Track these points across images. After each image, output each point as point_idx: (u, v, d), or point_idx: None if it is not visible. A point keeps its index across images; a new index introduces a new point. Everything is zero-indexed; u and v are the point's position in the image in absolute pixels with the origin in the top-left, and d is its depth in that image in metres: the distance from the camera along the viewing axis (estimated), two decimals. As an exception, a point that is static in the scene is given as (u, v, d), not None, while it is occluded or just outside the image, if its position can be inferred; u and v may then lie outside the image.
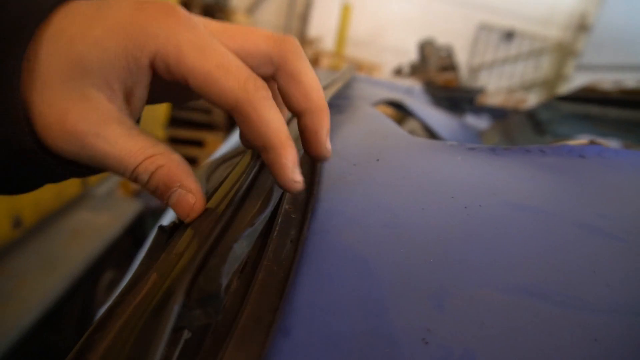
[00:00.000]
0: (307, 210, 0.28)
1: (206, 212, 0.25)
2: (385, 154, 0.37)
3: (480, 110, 1.22)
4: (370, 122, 0.48)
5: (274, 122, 0.23)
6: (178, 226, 0.31)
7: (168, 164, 0.24)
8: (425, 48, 2.46)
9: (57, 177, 0.26)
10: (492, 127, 0.92)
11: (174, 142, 2.48)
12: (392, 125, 0.46)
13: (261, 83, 0.23)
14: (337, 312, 0.20)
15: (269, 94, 0.23)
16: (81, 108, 0.23)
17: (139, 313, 0.19)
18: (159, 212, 2.13)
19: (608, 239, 0.25)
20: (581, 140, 0.38)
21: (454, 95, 1.29)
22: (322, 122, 0.26)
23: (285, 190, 0.26)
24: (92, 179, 1.66)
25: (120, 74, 0.23)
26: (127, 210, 1.83)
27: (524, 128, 0.85)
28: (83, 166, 0.26)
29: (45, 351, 1.19)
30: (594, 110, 0.68)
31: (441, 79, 2.04)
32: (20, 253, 1.25)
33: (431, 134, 0.84)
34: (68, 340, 1.30)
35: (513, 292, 0.22)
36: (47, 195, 1.38)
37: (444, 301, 0.21)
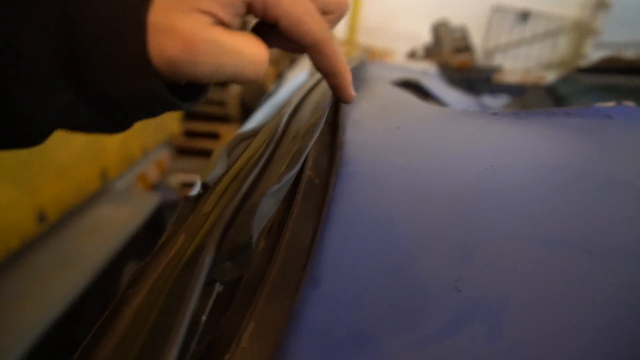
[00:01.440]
0: (330, 175, 0.28)
1: (232, 174, 0.25)
2: (406, 122, 0.36)
3: (497, 89, 1.19)
4: (388, 95, 0.47)
5: (341, 56, 0.30)
6: (201, 196, 0.31)
7: None
8: (439, 30, 2.42)
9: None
10: (510, 104, 0.91)
11: (190, 135, 2.50)
12: (411, 97, 0.46)
13: (327, 24, 0.28)
14: (366, 265, 0.20)
15: (331, 32, 0.29)
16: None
17: (171, 269, 0.19)
18: (177, 206, 2.15)
19: (638, 192, 0.25)
20: (608, 103, 0.37)
21: (470, 77, 1.27)
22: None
23: (345, 102, 0.33)
24: (112, 173, 1.68)
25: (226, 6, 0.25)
26: (146, 204, 1.85)
27: (544, 103, 0.83)
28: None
29: (69, 346, 1.22)
30: (617, 80, 0.66)
31: (456, 61, 2.01)
32: (43, 248, 1.27)
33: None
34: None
35: (544, 243, 0.21)
36: (69, 190, 1.41)
37: (473, 252, 0.21)
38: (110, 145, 1.67)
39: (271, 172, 0.24)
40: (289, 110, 0.34)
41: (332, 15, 0.29)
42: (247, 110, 2.46)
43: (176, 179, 2.41)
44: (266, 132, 0.30)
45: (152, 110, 0.27)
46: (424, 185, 0.26)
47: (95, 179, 1.59)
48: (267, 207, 0.21)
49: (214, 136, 2.52)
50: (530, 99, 0.85)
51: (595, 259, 0.20)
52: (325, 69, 0.30)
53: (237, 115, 2.64)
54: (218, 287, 0.19)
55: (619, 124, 0.33)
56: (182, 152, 2.52)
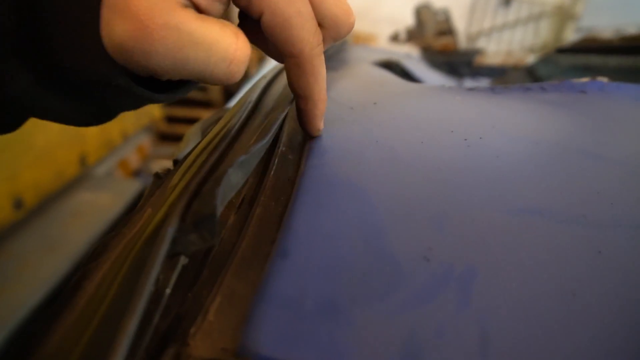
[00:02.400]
0: (303, 149, 0.28)
1: (200, 148, 0.24)
2: (383, 97, 0.36)
3: (479, 72, 1.20)
4: (367, 74, 0.47)
5: (322, 78, 0.25)
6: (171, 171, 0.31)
7: None
8: (422, 12, 2.41)
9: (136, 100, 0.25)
10: (490, 85, 0.91)
11: (172, 120, 2.46)
12: (389, 75, 0.45)
13: (320, 38, 0.24)
14: (337, 236, 0.20)
15: (322, 49, 0.24)
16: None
17: (134, 242, 0.19)
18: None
19: (610, 163, 0.25)
20: (582, 79, 0.37)
21: (452, 60, 1.27)
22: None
23: (308, 133, 0.29)
24: (91, 158, 1.65)
25: None
26: (127, 190, 1.83)
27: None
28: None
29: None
30: (594, 60, 0.67)
31: (439, 44, 2.00)
32: (22, 234, 1.25)
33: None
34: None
35: (516, 212, 0.21)
36: (47, 176, 1.38)
37: (444, 222, 0.21)
38: (89, 130, 1.64)
39: (241, 144, 0.24)
40: (262, 84, 0.33)
41: (327, 30, 0.24)
42: (230, 96, 2.43)
43: (158, 165, 2.38)
44: (237, 105, 0.30)
45: (119, 100, 0.23)
46: (398, 158, 0.26)
47: (74, 164, 1.56)
48: (235, 178, 0.20)
49: (196, 121, 2.48)
50: (510, 80, 0.85)
51: (564, 226, 0.20)
52: (298, 89, 0.26)
53: (220, 101, 2.60)
54: (183, 260, 0.18)
55: (592, 99, 0.33)
56: (163, 138, 2.48)
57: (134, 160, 2.12)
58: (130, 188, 1.90)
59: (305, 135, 0.30)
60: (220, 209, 0.18)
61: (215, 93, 2.58)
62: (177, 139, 2.50)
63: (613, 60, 0.64)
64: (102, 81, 0.22)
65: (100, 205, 1.62)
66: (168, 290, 0.18)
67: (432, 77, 0.89)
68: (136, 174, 2.13)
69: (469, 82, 1.23)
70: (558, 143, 0.27)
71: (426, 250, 0.19)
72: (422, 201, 0.22)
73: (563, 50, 0.75)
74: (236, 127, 0.25)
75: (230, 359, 0.17)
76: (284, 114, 0.26)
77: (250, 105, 0.28)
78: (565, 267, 0.18)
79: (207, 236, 0.18)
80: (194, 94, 2.56)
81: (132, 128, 2.07)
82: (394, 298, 0.17)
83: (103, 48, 0.20)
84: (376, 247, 0.19)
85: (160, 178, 0.31)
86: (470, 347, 0.16)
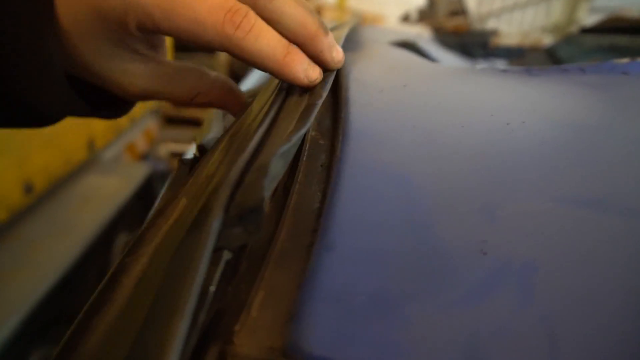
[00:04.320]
0: (335, 135, 0.27)
1: (233, 134, 0.23)
2: (412, 80, 0.34)
3: (494, 53, 1.17)
4: (389, 55, 0.45)
5: (261, 51, 0.24)
6: (199, 159, 0.30)
7: None
8: (434, -7, 2.36)
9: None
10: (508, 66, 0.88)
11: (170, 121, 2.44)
12: (413, 56, 0.44)
13: (240, 16, 0.23)
14: (384, 227, 0.19)
15: (251, 21, 0.23)
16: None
17: (173, 234, 0.18)
18: (167, 176, 2.12)
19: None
20: (622, 59, 0.35)
21: (466, 41, 1.24)
22: (320, 45, 0.26)
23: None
24: (99, 143, 1.64)
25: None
26: (135, 174, 1.82)
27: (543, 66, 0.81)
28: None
29: (63, 317, 1.21)
30: (621, 40, 0.64)
31: (451, 25, 1.95)
32: (32, 219, 1.25)
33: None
34: (84, 303, 1.32)
35: (571, 202, 0.20)
36: (57, 160, 1.37)
37: (496, 213, 0.19)
38: (97, 115, 1.62)
39: (278, 131, 0.22)
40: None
41: None
42: (236, 79, 2.39)
43: (165, 149, 2.37)
44: (268, 90, 0.28)
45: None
46: (439, 144, 0.24)
47: (82, 148, 1.55)
48: (276, 168, 0.19)
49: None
50: (529, 61, 0.83)
51: (622, 218, 0.19)
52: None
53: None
54: (226, 255, 0.17)
55: (636, 81, 0.31)
56: (170, 121, 2.47)
57: (141, 144, 2.12)
58: (139, 172, 1.89)
59: (335, 120, 0.29)
60: (267, 201, 0.17)
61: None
62: (183, 122, 2.48)
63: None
64: (58, 110, 0.24)
65: (109, 189, 1.62)
66: (212, 288, 0.17)
67: (448, 58, 0.87)
68: (143, 157, 2.12)
69: (482, 64, 1.20)
70: (604, 129, 0.26)
71: (481, 243, 0.18)
72: (470, 189, 0.21)
73: (587, 30, 0.72)
74: (272, 113, 0.24)
75: (279, 358, 0.16)
76: (321, 99, 0.25)
77: (283, 89, 0.27)
78: (629, 262, 0.17)
79: (252, 229, 0.17)
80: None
81: (139, 112, 2.05)
82: (451, 294, 0.16)
83: (64, 82, 0.22)
84: (427, 239, 0.18)
85: (185, 164, 0.30)
86: (537, 344, 0.15)
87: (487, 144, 0.24)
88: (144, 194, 1.84)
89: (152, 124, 2.26)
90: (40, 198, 1.27)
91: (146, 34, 0.24)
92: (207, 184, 0.19)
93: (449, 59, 0.83)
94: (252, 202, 0.16)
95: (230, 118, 0.40)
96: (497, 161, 0.23)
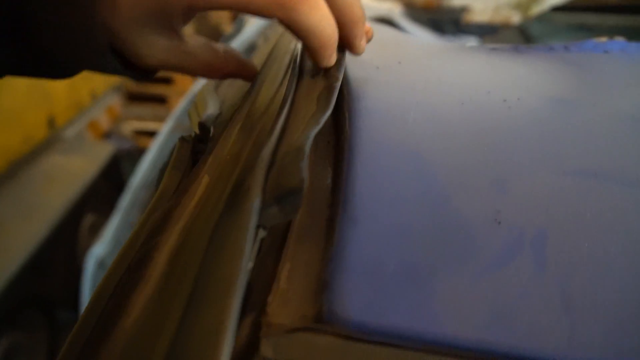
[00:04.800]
0: (340, 111, 0.27)
1: (253, 114, 0.23)
2: (406, 57, 0.35)
3: (466, 30, 1.19)
4: (377, 32, 0.46)
5: (311, 25, 0.24)
6: (201, 138, 0.29)
7: None
8: (402, -32, 2.35)
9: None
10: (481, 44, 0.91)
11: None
12: (400, 33, 0.44)
13: None
14: (403, 201, 0.20)
15: None
16: None
17: (206, 213, 0.18)
18: (134, 154, 2.07)
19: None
20: (601, 38, 0.37)
21: (437, 17, 1.25)
22: (358, 31, 0.27)
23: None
24: (60, 120, 1.58)
25: None
26: (99, 153, 1.77)
27: (515, 43, 0.83)
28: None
29: (33, 301, 1.18)
30: (591, 19, 0.67)
31: (422, 1, 1.96)
32: (-5, 200, 1.20)
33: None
34: (56, 286, 1.29)
35: (573, 174, 0.21)
36: (15, 139, 1.31)
37: (507, 185, 0.21)
38: (56, 91, 1.55)
39: (299, 114, 0.23)
40: (292, 47, 0.32)
41: None
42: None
43: (129, 127, 2.29)
44: (273, 67, 0.28)
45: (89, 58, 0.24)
46: (443, 121, 0.25)
47: (42, 126, 1.48)
48: (308, 148, 0.20)
49: (167, 81, 2.39)
50: (502, 39, 0.85)
51: (622, 187, 0.21)
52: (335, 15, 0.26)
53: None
54: (262, 233, 0.18)
55: (617, 59, 0.33)
56: (134, 98, 2.38)
57: (104, 122, 2.04)
58: (103, 151, 1.83)
59: (338, 97, 0.29)
60: (306, 183, 0.17)
61: (186, 50, 2.47)
62: (147, 99, 2.40)
63: (611, 20, 0.64)
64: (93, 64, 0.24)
65: (73, 169, 1.56)
66: (250, 264, 0.17)
67: (424, 36, 0.88)
68: (107, 136, 2.05)
69: (454, 41, 1.22)
70: (595, 105, 0.27)
71: (496, 214, 0.19)
72: (479, 164, 0.22)
73: (558, 9, 0.75)
74: (291, 93, 0.24)
75: (313, 325, 0.17)
76: (339, 82, 0.25)
77: (296, 69, 0.27)
78: (631, 227, 0.19)
79: (289, 210, 0.17)
80: (164, 52, 2.44)
81: (101, 88, 1.97)
82: (474, 261, 0.17)
83: (101, 40, 0.22)
84: (445, 211, 0.19)
85: (188, 142, 0.29)
86: (554, 305, 0.16)
87: (488, 121, 0.25)
88: (110, 174, 1.79)
89: (115, 101, 2.19)
90: (1, 179, 1.21)
91: (194, 11, 0.24)
92: (234, 164, 0.19)
93: (425, 36, 0.84)
94: (292, 184, 0.17)
95: (222, 91, 0.40)
96: (500, 137, 0.24)
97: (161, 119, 2.39)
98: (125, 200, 1.01)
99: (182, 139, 0.29)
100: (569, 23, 0.71)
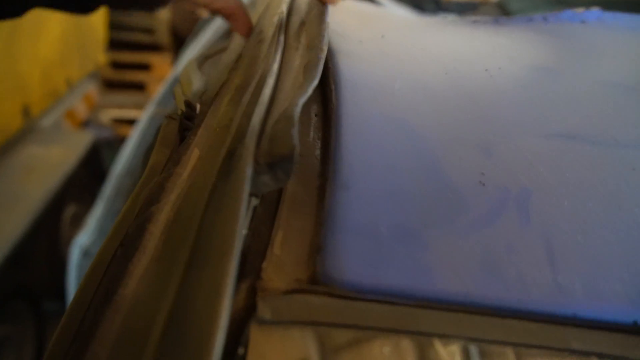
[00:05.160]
0: (327, 83, 0.27)
1: (243, 87, 0.23)
2: (389, 31, 0.35)
3: (445, 8, 1.19)
4: (359, 8, 0.46)
5: None
6: (188, 116, 0.29)
7: None
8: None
9: None
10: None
11: (117, 66, 2.30)
12: (382, 9, 0.44)
13: None
14: (394, 167, 0.20)
15: None
16: None
17: (199, 183, 0.18)
18: (114, 143, 2.04)
19: (627, 90, 0.26)
20: (578, 9, 0.38)
21: (416, -5, 1.25)
22: None
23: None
24: (36, 109, 1.54)
25: None
26: (78, 142, 1.73)
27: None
28: None
29: (19, 290, 1.17)
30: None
31: (400, -21, 1.94)
32: (-28, 193, 1.17)
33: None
34: (40, 277, 1.28)
35: (552, 137, 0.22)
36: (-11, 130, 1.28)
37: (491, 149, 0.21)
38: (30, 79, 1.51)
39: (287, 84, 0.23)
40: (276, 21, 0.32)
41: None
42: (178, 39, 2.28)
43: (108, 115, 2.25)
44: (262, 40, 0.28)
45: None
46: (428, 89, 0.26)
47: (16, 116, 1.44)
48: (297, 117, 0.20)
49: (145, 67, 2.34)
50: (482, 15, 0.85)
51: (599, 148, 0.22)
52: None
53: (168, 43, 2.45)
54: (254, 201, 0.18)
55: (594, 28, 0.34)
56: (111, 85, 2.33)
57: (81, 110, 2.00)
58: (82, 140, 1.80)
59: (323, 69, 0.30)
60: (297, 149, 0.17)
61: (162, 36, 2.42)
62: (125, 86, 2.36)
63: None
64: None
65: (52, 159, 1.53)
66: (245, 231, 0.17)
67: (404, 12, 0.88)
68: (85, 124, 2.01)
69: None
70: (574, 73, 0.28)
71: (480, 176, 0.20)
72: (464, 130, 0.23)
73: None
74: (275, 65, 0.24)
75: (308, 287, 0.18)
76: (324, 54, 0.25)
77: (281, 42, 0.27)
78: (607, 184, 0.20)
79: (281, 177, 0.18)
80: (140, 37, 2.40)
81: (77, 76, 1.92)
82: (461, 220, 0.18)
83: None
84: (433, 175, 0.20)
85: (175, 119, 0.29)
86: (539, 257, 0.17)
87: (471, 89, 0.26)
88: (90, 163, 1.76)
89: (91, 89, 2.14)
90: (-22, 171, 1.18)
91: None
92: (224, 135, 0.19)
93: (405, 13, 0.84)
94: (283, 151, 0.17)
95: (206, 70, 0.40)
96: (483, 104, 0.25)
97: (140, 106, 2.34)
98: (108, 189, 0.99)
99: (169, 117, 0.29)
100: (546, -2, 0.72)
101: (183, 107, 0.29)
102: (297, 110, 0.19)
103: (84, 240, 1.00)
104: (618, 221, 0.19)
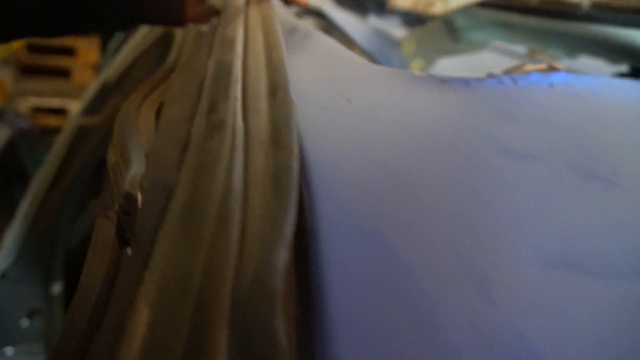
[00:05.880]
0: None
1: (193, 209, 0.19)
2: (354, 91, 0.32)
3: (391, 12, 1.18)
4: (316, 47, 0.42)
5: None
6: (127, 210, 0.25)
7: None
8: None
9: None
10: (409, 36, 0.90)
11: (38, 50, 2.07)
12: (343, 49, 0.41)
13: None
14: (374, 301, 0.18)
15: None
16: None
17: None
18: (33, 135, 1.86)
19: (608, 186, 0.26)
20: (539, 65, 0.37)
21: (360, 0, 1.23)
22: None
23: None
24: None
25: None
26: (-7, 137, 1.56)
27: (440, 35, 0.84)
28: None
29: None
30: (514, 18, 0.68)
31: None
32: None
33: (352, 43, 0.80)
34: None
35: (553, 267, 0.21)
36: None
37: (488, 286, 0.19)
38: None
39: (253, 201, 0.19)
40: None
41: None
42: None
43: (26, 104, 2.04)
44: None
45: None
46: (408, 187, 0.23)
47: None
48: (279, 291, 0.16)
49: (70, 52, 2.13)
50: (428, 30, 0.85)
51: (604, 281, 0.21)
52: None
53: (94, 26, 2.25)
54: None
55: (562, 96, 0.34)
56: (28, 71, 2.11)
57: (-7, 100, 1.80)
58: (-2, 135, 1.63)
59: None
60: (283, 345, 0.14)
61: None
62: (43, 72, 2.14)
63: (532, 21, 0.66)
64: None
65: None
66: None
67: (351, 23, 0.85)
68: (-1, 115, 1.82)
69: (374, 20, 1.20)
70: (555, 162, 0.27)
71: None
72: (442, 232, 0.21)
73: (484, 4, 0.75)
74: (237, 175, 0.20)
75: None
76: (296, 160, 0.21)
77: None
78: (619, 327, 0.19)
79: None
80: (61, 19, 2.17)
81: (-14, 61, 1.72)
82: None
83: None
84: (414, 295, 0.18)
85: (111, 219, 0.25)
86: None
87: (453, 187, 0.24)
88: (7, 161, 1.59)
89: (5, 75, 1.93)
90: None
91: None
92: (184, 294, 0.16)
93: (353, 26, 0.81)
94: (265, 352, 0.14)
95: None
96: (467, 210, 0.23)
97: (64, 94, 2.15)
98: (27, 204, 0.89)
99: (103, 216, 0.24)
100: (492, 19, 0.72)
101: (120, 200, 0.25)
102: (277, 278, 0.15)
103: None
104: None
